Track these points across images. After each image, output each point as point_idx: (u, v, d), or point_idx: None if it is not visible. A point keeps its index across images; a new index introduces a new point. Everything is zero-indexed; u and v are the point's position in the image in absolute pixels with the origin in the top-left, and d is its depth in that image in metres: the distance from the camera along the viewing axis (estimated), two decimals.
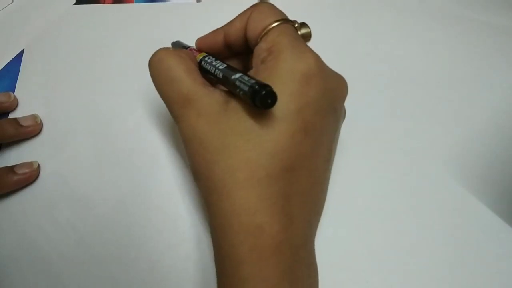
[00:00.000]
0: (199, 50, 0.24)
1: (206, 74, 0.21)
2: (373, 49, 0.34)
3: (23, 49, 0.35)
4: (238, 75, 0.18)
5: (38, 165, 0.28)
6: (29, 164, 0.28)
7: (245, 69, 0.24)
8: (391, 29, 0.35)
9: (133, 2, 0.38)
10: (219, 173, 0.17)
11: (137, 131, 0.30)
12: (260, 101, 0.16)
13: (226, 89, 0.20)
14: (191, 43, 0.35)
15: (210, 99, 0.18)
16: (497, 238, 0.25)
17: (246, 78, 0.17)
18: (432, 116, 0.30)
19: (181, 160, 0.28)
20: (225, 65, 0.20)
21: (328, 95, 0.19)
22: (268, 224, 0.17)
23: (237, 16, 0.22)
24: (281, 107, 0.17)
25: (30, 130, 0.30)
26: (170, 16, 0.37)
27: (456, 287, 0.23)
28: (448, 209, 0.26)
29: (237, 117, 0.18)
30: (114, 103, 0.31)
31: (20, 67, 0.34)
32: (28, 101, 0.32)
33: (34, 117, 0.30)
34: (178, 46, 0.27)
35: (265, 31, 0.19)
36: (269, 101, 0.16)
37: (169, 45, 0.35)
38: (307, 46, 0.19)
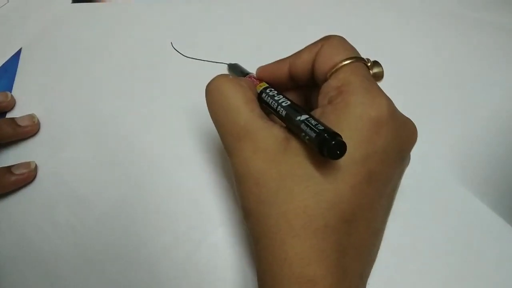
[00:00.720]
0: (259, 79, 0.23)
1: (266, 107, 0.20)
2: (374, 48, 0.34)
3: (21, 48, 0.35)
4: (303, 117, 0.16)
5: (36, 165, 0.28)
6: (27, 164, 0.28)
7: (306, 103, 0.23)
8: (392, 29, 0.35)
9: (131, 1, 0.38)
10: (273, 218, 0.17)
11: (136, 131, 0.30)
12: (328, 151, 0.14)
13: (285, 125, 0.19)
14: (192, 42, 0.35)
15: (268, 134, 0.17)
16: (499, 238, 0.25)
17: (313, 122, 0.16)
18: (433, 116, 0.30)
19: (180, 161, 0.28)
20: (289, 102, 0.19)
21: (397, 144, 0.18)
22: (321, 277, 0.16)
23: (305, 48, 0.20)
24: (346, 155, 0.16)
25: (27, 130, 0.29)
26: (169, 15, 0.37)
27: (457, 287, 0.23)
28: (450, 209, 0.26)
29: (298, 160, 0.17)
30: (112, 102, 0.31)
31: (17, 67, 0.34)
32: (25, 100, 0.32)
33: (31, 117, 0.30)
34: (235, 69, 0.26)
35: (335, 68, 0.18)
36: (338, 152, 0.15)
37: (166, 44, 0.35)
38: (380, 89, 0.18)
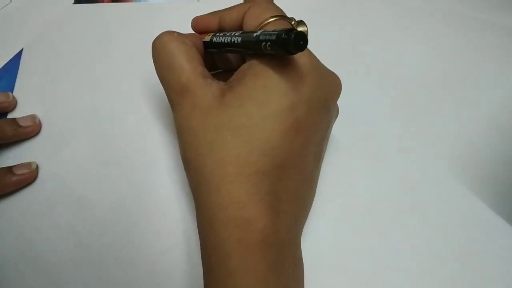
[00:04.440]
0: (194, 29, 0.25)
1: (220, 50, 0.21)
2: (374, 48, 0.34)
3: (22, 49, 0.35)
4: (259, 31, 0.17)
5: (37, 165, 0.28)
6: (28, 164, 0.28)
7: (238, 60, 0.24)
8: (392, 29, 0.35)
9: (132, 1, 0.38)
10: (209, 166, 0.18)
11: (136, 131, 0.30)
12: (293, 44, 0.15)
13: (224, 81, 0.20)
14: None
15: (206, 91, 0.19)
16: (499, 239, 0.25)
17: (269, 30, 0.16)
18: (434, 115, 0.30)
19: (180, 161, 0.28)
20: (240, 32, 0.20)
21: (322, 93, 0.19)
22: (255, 218, 0.17)
23: (235, 6, 0.22)
24: (273, 104, 0.17)
25: (29, 131, 0.29)
26: (170, 15, 0.37)
27: (457, 287, 0.23)
28: (450, 209, 0.26)
29: (230, 112, 0.18)
30: (113, 103, 0.31)
31: (19, 67, 0.34)
32: (27, 101, 0.32)
33: (33, 117, 0.30)
34: None
35: (261, 25, 0.19)
36: (301, 43, 0.15)
37: None
38: None
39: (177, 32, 0.21)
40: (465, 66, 0.32)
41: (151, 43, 0.21)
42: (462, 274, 0.24)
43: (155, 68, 0.21)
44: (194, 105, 0.19)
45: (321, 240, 0.25)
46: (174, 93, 0.20)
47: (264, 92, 0.18)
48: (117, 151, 0.29)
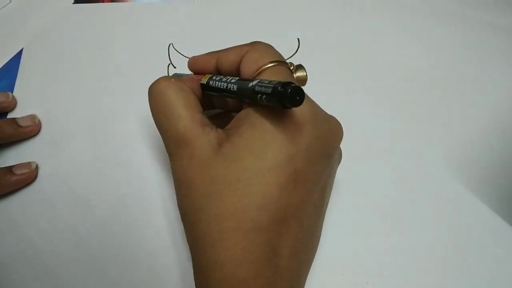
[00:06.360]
0: (191, 68, 0.24)
1: (217, 93, 0.20)
2: (374, 48, 0.34)
3: (22, 49, 0.35)
4: (255, 81, 0.17)
5: (37, 165, 0.28)
6: (28, 164, 0.28)
7: (235, 102, 0.23)
8: (392, 29, 0.35)
9: (132, 1, 0.38)
10: (205, 221, 0.17)
11: (136, 131, 0.30)
12: (289, 100, 0.14)
13: (223, 129, 0.19)
14: (193, 43, 0.35)
15: (204, 141, 0.18)
16: (498, 238, 0.25)
17: (265, 81, 0.16)
18: (433, 116, 0.30)
19: None
20: (237, 78, 0.19)
21: (322, 142, 0.18)
22: (252, 278, 0.16)
23: (233, 48, 0.21)
24: (270, 157, 0.17)
25: (28, 130, 0.29)
26: (169, 15, 0.37)
27: (457, 287, 0.23)
28: (449, 209, 0.26)
29: (226, 165, 0.17)
30: (113, 102, 0.31)
31: (19, 67, 0.34)
32: (26, 101, 0.32)
33: (32, 117, 0.30)
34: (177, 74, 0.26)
35: (259, 70, 0.19)
36: (298, 98, 0.14)
37: (167, 44, 0.35)
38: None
39: (174, 77, 0.20)
40: (465, 66, 0.32)
41: (148, 88, 0.20)
42: (462, 274, 0.24)
43: (152, 114, 0.20)
44: (192, 156, 0.18)
45: (321, 240, 0.25)
46: (171, 142, 0.19)
47: (260, 145, 0.17)
48: (117, 150, 0.29)
